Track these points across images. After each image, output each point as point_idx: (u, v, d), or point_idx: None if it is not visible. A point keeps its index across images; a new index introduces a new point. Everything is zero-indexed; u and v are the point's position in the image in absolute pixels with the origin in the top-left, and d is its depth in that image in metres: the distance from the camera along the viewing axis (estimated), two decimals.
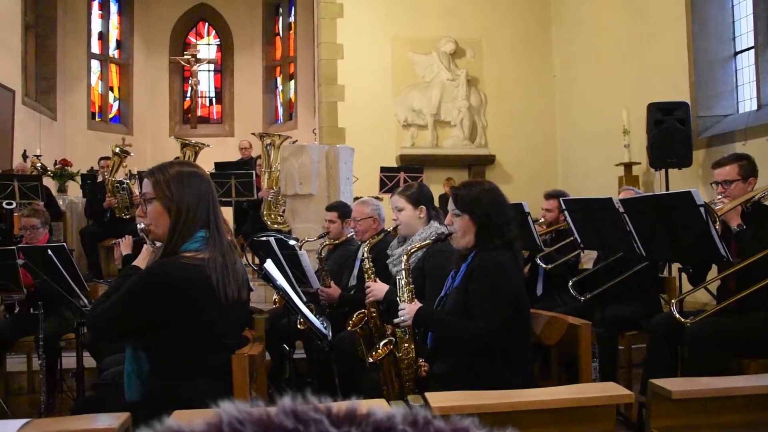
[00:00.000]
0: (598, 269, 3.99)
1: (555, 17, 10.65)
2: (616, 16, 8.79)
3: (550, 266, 4.20)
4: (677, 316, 2.97)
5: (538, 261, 4.24)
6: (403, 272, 2.68)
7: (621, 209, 3.35)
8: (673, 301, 3.11)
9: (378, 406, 0.49)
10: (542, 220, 4.70)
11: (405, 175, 7.86)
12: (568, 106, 10.31)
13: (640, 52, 8.19)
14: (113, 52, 14.85)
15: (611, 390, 1.86)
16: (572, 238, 4.03)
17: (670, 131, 6.67)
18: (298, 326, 3.72)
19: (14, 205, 6.95)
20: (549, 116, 10.65)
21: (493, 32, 10.58)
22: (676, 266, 4.42)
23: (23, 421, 1.54)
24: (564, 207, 3.94)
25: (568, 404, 1.75)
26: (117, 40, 14.96)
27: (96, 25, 14.53)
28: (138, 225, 2.33)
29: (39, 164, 9.60)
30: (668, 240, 3.02)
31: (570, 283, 3.82)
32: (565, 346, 2.62)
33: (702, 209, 2.76)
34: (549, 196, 4.69)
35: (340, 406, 0.48)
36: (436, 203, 4.28)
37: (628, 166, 8.03)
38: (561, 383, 2.83)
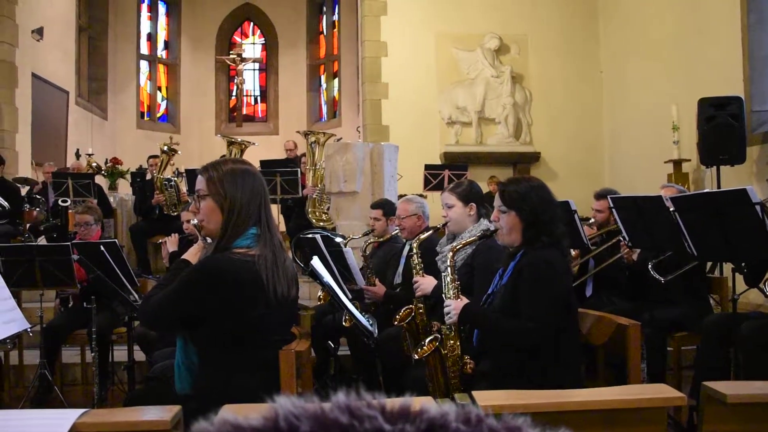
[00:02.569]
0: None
1: (602, 11, 10.44)
2: (666, 9, 8.55)
3: (596, 269, 4.10)
4: None
5: (591, 263, 4.14)
6: (449, 269, 2.66)
7: (671, 207, 3.26)
8: None
9: (429, 404, 0.49)
10: (593, 221, 4.53)
11: (449, 173, 7.85)
12: (615, 102, 10.10)
13: (691, 46, 7.96)
14: (161, 52, 15.18)
15: (663, 392, 1.81)
16: (621, 237, 3.94)
17: (723, 127, 6.45)
18: (344, 323, 3.74)
19: (68, 202, 7.17)
20: (595, 112, 10.45)
21: (538, 28, 10.44)
22: (728, 266, 4.28)
23: (81, 410, 1.60)
24: (612, 205, 3.85)
25: (618, 405, 1.71)
26: (165, 41, 15.29)
27: (145, 26, 14.87)
28: (191, 221, 2.38)
29: (94, 163, 9.90)
30: (722, 239, 2.93)
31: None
32: (612, 347, 2.57)
33: (758, 207, 2.68)
34: (599, 196, 4.49)
35: (393, 402, 0.48)
36: None
37: (677, 163, 7.83)
38: (608, 385, 2.78)
